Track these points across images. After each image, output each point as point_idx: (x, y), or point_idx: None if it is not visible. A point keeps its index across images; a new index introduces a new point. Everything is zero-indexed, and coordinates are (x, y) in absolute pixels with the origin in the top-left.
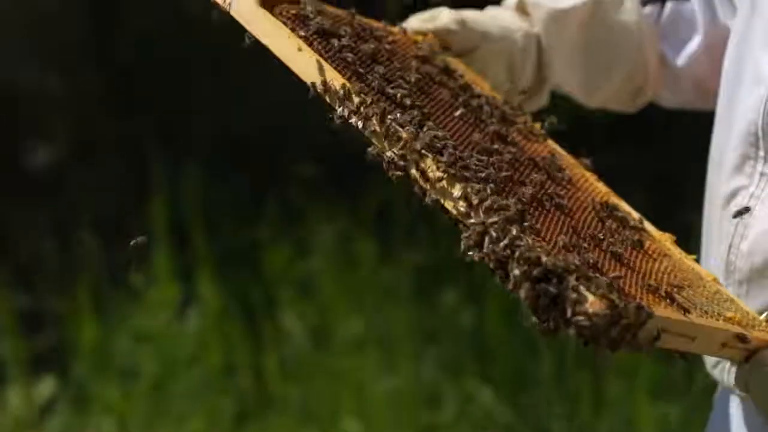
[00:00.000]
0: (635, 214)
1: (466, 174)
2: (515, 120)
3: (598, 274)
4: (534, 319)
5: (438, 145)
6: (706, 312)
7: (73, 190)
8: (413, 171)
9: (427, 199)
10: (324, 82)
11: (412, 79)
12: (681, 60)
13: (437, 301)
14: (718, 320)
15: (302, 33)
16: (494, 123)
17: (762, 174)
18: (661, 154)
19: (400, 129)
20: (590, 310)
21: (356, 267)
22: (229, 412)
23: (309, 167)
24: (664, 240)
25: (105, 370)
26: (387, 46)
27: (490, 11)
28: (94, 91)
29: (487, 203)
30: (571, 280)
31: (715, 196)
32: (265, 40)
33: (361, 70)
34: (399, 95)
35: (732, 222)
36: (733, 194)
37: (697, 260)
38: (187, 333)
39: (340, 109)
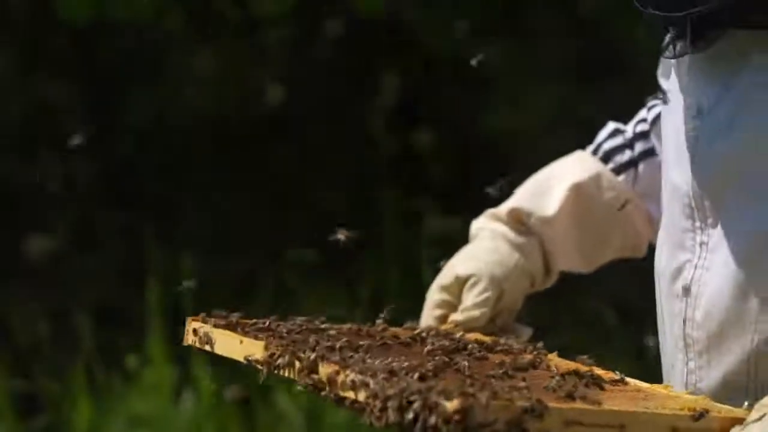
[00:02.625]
0: (616, 375)
1: (360, 366)
2: (510, 349)
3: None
4: None
5: (342, 355)
6: (655, 407)
7: (70, 275)
8: (319, 376)
9: (332, 396)
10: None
11: (361, 344)
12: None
13: None
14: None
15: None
16: (472, 350)
17: (702, 243)
18: None
19: (310, 352)
20: (450, 410)
21: None
22: None
23: (304, 251)
24: (656, 388)
25: None
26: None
27: (488, 234)
28: (93, 180)
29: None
30: (431, 396)
31: (662, 277)
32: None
33: (293, 339)
34: (335, 344)
35: (681, 298)
36: (679, 270)
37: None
38: (181, 416)
39: (270, 362)
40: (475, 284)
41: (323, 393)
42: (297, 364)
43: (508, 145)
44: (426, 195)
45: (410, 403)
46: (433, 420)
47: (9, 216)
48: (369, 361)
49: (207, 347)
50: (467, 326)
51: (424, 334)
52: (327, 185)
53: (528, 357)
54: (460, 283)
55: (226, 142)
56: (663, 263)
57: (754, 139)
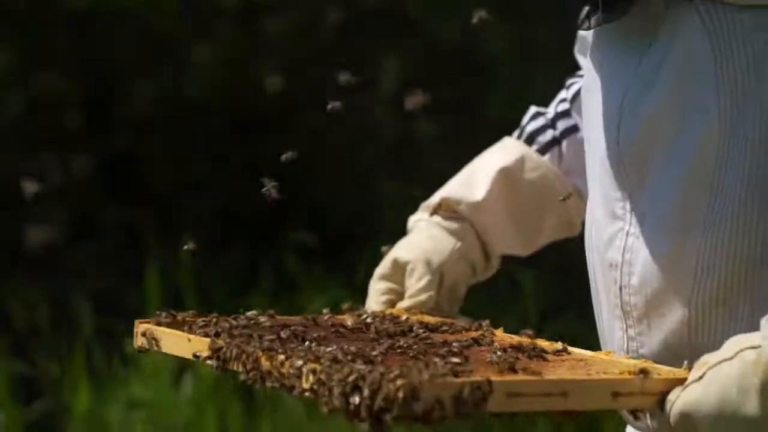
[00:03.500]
0: (558, 345)
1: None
2: (454, 328)
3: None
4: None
5: (287, 345)
6: (597, 373)
7: (71, 265)
8: (265, 366)
9: (278, 385)
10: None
11: (308, 337)
12: None
13: None
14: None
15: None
16: (417, 332)
17: (632, 210)
18: None
19: (255, 344)
20: (393, 391)
21: None
22: None
23: (304, 236)
24: (599, 355)
25: None
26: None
27: (423, 225)
28: (93, 171)
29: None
30: (375, 379)
31: (594, 249)
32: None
33: (240, 333)
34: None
35: (616, 266)
36: (611, 239)
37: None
38: (181, 400)
39: (219, 357)
40: (413, 270)
41: (269, 384)
42: (243, 356)
43: (509, 133)
44: (426, 182)
45: (355, 387)
46: (378, 403)
47: (10, 206)
48: (315, 349)
49: (155, 347)
50: (415, 311)
51: (369, 320)
52: (327, 173)
53: (472, 334)
54: (401, 271)
55: (226, 131)
56: (594, 235)
57: (668, 103)
